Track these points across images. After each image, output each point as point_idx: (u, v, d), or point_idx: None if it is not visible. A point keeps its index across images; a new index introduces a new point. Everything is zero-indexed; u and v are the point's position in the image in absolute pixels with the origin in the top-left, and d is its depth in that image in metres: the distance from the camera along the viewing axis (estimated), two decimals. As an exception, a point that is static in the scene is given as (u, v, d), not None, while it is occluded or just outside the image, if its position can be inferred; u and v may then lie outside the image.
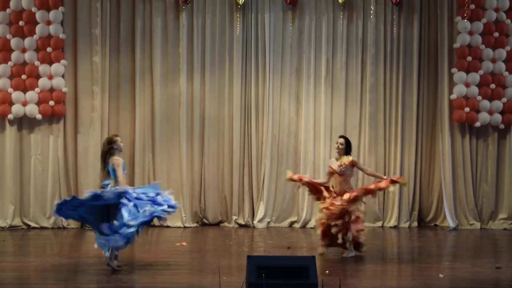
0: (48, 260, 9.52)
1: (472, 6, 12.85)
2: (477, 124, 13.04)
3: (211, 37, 13.08)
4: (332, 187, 10.03)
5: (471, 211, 13.21)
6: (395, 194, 13.23)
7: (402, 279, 8.80)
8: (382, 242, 11.88)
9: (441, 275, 8.60)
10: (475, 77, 12.97)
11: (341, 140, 10.11)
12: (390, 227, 13.21)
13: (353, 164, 10.03)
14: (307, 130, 13.16)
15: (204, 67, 13.06)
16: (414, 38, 13.30)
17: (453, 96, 12.97)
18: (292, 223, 13.16)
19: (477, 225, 13.15)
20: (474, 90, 12.98)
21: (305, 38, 13.21)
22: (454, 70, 12.99)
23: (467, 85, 12.95)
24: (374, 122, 13.31)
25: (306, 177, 10.56)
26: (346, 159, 9.99)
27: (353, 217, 9.87)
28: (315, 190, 10.20)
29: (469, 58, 12.94)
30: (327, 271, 8.57)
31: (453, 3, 13.14)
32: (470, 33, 12.94)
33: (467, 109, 12.93)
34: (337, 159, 10.08)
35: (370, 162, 13.23)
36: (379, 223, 13.29)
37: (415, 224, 13.37)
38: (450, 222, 12.99)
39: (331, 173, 10.04)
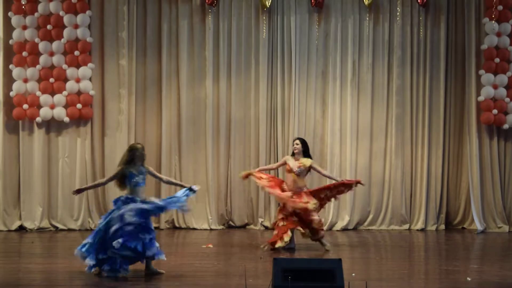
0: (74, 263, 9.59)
1: (500, 7, 12.76)
2: (505, 126, 12.92)
3: (237, 40, 13.11)
4: (283, 184, 10.49)
5: (499, 214, 13.09)
6: (422, 196, 13.18)
7: (429, 282, 8.74)
8: (409, 244, 11.81)
9: (468, 279, 8.53)
10: (503, 78, 12.85)
11: (297, 141, 10.53)
12: (417, 230, 13.13)
13: (310, 168, 10.50)
14: (333, 132, 13.13)
15: (230, 70, 13.10)
16: (441, 40, 13.22)
17: (481, 98, 12.87)
18: (318, 225, 13.13)
19: (505, 228, 13.02)
20: (502, 92, 12.87)
21: (331, 40, 13.18)
22: (481, 72, 12.89)
23: (495, 87, 12.85)
24: (401, 124, 13.25)
25: (259, 172, 10.74)
26: (306, 162, 10.42)
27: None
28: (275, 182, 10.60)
29: (497, 60, 12.83)
30: (353, 274, 8.54)
31: (481, 4, 13.04)
32: (498, 34, 12.83)
33: (495, 111, 12.82)
34: (295, 159, 10.44)
35: (397, 164, 13.19)
36: (406, 226, 13.22)
37: (443, 227, 13.29)
38: (478, 225, 12.88)
39: (289, 171, 10.41)
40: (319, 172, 10.80)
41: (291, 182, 10.43)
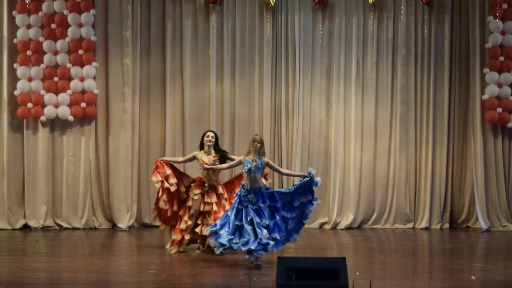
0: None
1: (505, 6, 12.74)
2: (510, 124, 12.90)
3: (241, 38, 13.12)
4: (202, 179, 10.26)
5: (503, 213, 13.08)
6: (426, 195, 13.17)
7: (433, 280, 8.73)
8: (413, 243, 11.80)
9: (473, 277, 8.52)
10: (507, 77, 12.83)
11: (212, 134, 10.37)
12: (422, 228, 13.12)
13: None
14: (338, 131, 13.13)
15: (234, 68, 13.10)
16: (445, 38, 13.21)
17: (485, 97, 12.85)
18: (322, 224, 13.14)
19: (510, 226, 12.99)
20: (507, 90, 12.85)
21: (335, 39, 13.18)
22: (486, 70, 12.87)
23: (500, 85, 12.83)
24: (405, 123, 13.25)
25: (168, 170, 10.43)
26: (217, 155, 10.28)
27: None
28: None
29: (502, 58, 12.81)
30: (357, 273, 8.54)
31: (485, 2, 13.01)
32: (503, 32, 12.81)
33: (499, 110, 12.81)
34: (207, 153, 10.27)
35: (401, 163, 13.19)
36: (410, 224, 13.21)
37: (447, 225, 13.28)
38: (482, 224, 12.87)
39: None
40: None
41: (207, 175, 10.20)
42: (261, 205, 9.25)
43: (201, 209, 10.12)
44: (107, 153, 12.85)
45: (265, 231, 9.10)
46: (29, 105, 12.46)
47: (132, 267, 9.09)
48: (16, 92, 12.52)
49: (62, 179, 12.72)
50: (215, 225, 9.33)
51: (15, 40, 12.58)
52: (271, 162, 9.76)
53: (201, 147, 10.39)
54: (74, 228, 12.63)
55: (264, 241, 9.01)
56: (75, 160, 12.72)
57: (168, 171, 10.22)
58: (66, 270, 8.98)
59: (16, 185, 12.73)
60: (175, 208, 10.29)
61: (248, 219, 9.16)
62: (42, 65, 12.53)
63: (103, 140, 12.87)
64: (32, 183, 12.65)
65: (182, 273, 8.78)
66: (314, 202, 9.45)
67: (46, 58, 12.53)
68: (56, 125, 12.73)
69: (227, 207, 9.91)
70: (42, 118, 12.51)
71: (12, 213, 12.65)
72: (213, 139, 10.30)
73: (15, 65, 12.55)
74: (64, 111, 12.51)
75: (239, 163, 9.73)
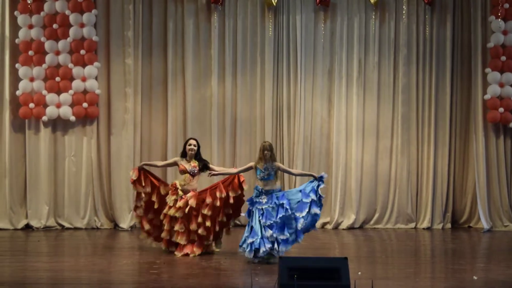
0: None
1: (506, 5, 12.74)
2: (511, 124, 12.91)
3: (243, 38, 13.12)
4: (181, 184, 10.04)
5: (505, 213, 13.07)
6: (428, 195, 13.18)
7: (435, 281, 8.73)
8: (415, 243, 11.80)
9: (475, 277, 8.52)
10: (509, 77, 12.83)
11: (194, 142, 10.16)
12: (423, 228, 13.13)
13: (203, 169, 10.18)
14: (339, 131, 13.13)
15: (235, 68, 13.11)
16: (447, 38, 13.21)
17: (487, 97, 12.85)
18: (324, 224, 13.14)
19: (512, 226, 13.03)
20: (509, 90, 12.84)
21: (337, 39, 13.18)
22: (488, 70, 12.87)
23: (501, 85, 12.82)
24: (407, 123, 13.25)
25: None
26: (197, 163, 10.12)
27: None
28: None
29: (503, 58, 12.81)
30: (359, 273, 8.54)
31: (487, 2, 13.01)
32: (504, 32, 12.81)
33: (501, 110, 12.80)
34: (188, 161, 10.11)
35: (403, 163, 13.19)
36: (412, 224, 13.21)
37: (449, 225, 13.28)
38: (484, 224, 12.87)
39: (183, 171, 10.04)
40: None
41: (186, 182, 10.04)
42: (270, 206, 9.38)
43: (171, 213, 9.93)
44: (109, 153, 12.85)
45: (269, 232, 9.27)
46: (31, 105, 12.46)
47: (134, 267, 9.10)
48: (18, 92, 12.53)
49: (64, 179, 12.73)
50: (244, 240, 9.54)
51: (17, 40, 12.59)
52: (282, 166, 9.93)
53: (183, 154, 10.24)
54: (76, 228, 12.64)
55: (267, 244, 9.27)
56: (77, 160, 12.73)
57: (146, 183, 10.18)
58: (68, 270, 8.98)
59: (18, 185, 12.74)
60: (150, 216, 10.27)
61: (257, 219, 9.37)
62: (44, 65, 12.54)
63: (105, 140, 12.87)
64: (34, 183, 12.65)
65: (184, 273, 8.78)
66: (324, 178, 9.61)
67: (48, 58, 12.54)
68: (58, 125, 12.74)
69: (198, 216, 9.85)
70: (44, 118, 12.52)
71: (14, 213, 12.66)
72: (195, 148, 10.16)
73: (17, 65, 12.56)
74: (66, 111, 12.51)
75: (250, 168, 9.81)
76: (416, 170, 13.28)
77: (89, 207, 12.72)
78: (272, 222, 9.32)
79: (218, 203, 9.86)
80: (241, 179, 9.94)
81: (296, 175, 10.60)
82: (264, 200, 9.44)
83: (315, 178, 9.59)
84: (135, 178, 10.15)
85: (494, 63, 12.82)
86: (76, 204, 12.72)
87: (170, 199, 10.01)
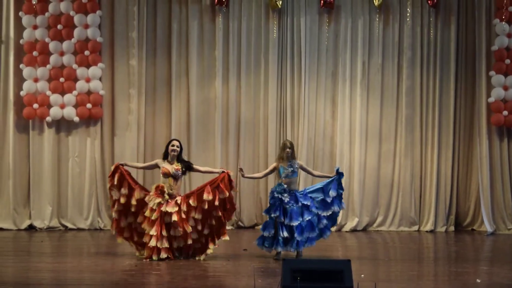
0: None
1: (511, 8, 12.73)
2: (516, 127, 12.91)
3: (247, 40, 13.13)
4: (164, 187, 9.64)
5: (509, 216, 13.05)
6: (431, 198, 13.16)
7: (438, 283, 8.71)
8: (418, 246, 11.79)
9: (478, 280, 8.50)
10: (513, 80, 12.83)
11: (177, 143, 9.82)
12: (427, 231, 13.11)
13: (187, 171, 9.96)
14: (343, 133, 13.12)
15: (239, 70, 13.11)
16: (451, 41, 13.20)
17: (491, 99, 12.83)
18: (327, 226, 13.12)
19: (515, 230, 13.01)
20: (513, 93, 12.85)
21: (341, 41, 13.18)
22: (492, 73, 12.85)
23: (506, 88, 12.81)
24: (410, 125, 13.24)
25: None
26: (180, 165, 9.79)
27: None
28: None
29: (508, 61, 12.80)
30: (362, 275, 8.53)
31: (491, 5, 13.01)
32: (509, 35, 12.80)
33: (505, 113, 12.79)
34: (170, 162, 9.76)
35: (406, 166, 13.19)
36: (415, 227, 13.20)
37: (452, 228, 13.27)
38: (488, 227, 12.85)
39: (166, 174, 9.67)
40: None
41: (170, 185, 9.68)
42: (292, 206, 9.52)
43: (154, 217, 9.50)
44: (113, 154, 12.86)
45: (285, 233, 9.51)
46: (35, 105, 12.49)
47: (136, 268, 9.08)
48: (22, 93, 12.55)
49: (67, 179, 12.75)
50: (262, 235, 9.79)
51: (21, 41, 12.62)
52: (304, 165, 10.17)
53: (165, 155, 9.88)
54: (79, 229, 12.65)
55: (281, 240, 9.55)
56: (80, 161, 12.75)
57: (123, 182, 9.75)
58: (71, 271, 8.98)
59: (21, 186, 12.77)
60: (130, 220, 9.83)
61: (276, 214, 9.57)
62: (48, 66, 12.56)
63: (109, 141, 12.89)
64: (38, 183, 12.67)
65: (187, 274, 8.77)
66: (339, 169, 9.93)
67: (52, 59, 12.56)
68: (62, 126, 12.76)
69: (189, 219, 9.63)
70: (48, 118, 12.54)
71: (18, 214, 12.68)
72: (178, 149, 9.79)
73: (21, 65, 12.59)
74: (70, 112, 12.53)
75: (274, 169, 9.85)
76: (419, 172, 13.27)
77: (92, 208, 12.74)
78: (298, 223, 9.49)
79: (206, 206, 9.57)
80: (231, 180, 9.64)
81: (316, 176, 10.39)
82: (287, 199, 9.54)
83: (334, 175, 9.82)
84: (113, 176, 9.68)
85: (498, 66, 12.81)
86: (80, 205, 12.74)
87: (154, 201, 9.54)
